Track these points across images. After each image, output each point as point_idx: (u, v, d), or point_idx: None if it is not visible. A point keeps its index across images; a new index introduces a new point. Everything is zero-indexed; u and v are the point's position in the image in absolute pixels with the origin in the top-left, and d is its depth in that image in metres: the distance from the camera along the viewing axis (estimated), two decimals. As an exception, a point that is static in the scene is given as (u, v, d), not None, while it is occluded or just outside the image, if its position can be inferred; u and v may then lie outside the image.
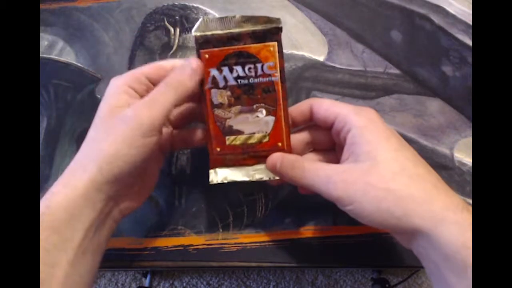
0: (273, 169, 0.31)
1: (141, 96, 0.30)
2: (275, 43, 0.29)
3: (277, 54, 0.29)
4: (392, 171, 0.26)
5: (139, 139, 0.27)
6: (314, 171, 0.28)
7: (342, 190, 0.27)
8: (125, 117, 0.27)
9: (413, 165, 0.27)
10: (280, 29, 0.29)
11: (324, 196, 0.27)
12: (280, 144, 0.31)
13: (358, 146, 0.27)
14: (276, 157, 0.30)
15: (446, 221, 0.24)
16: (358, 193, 0.26)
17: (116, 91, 0.29)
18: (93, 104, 0.42)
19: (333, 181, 0.27)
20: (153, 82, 0.31)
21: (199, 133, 0.33)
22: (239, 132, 0.31)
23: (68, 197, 0.26)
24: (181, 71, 0.29)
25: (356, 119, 0.28)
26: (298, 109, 0.32)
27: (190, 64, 0.29)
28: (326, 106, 0.30)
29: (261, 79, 0.30)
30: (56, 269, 0.25)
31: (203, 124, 0.32)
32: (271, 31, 0.29)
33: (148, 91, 0.30)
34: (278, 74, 0.30)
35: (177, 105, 0.29)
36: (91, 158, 0.27)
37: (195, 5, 0.45)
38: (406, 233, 0.26)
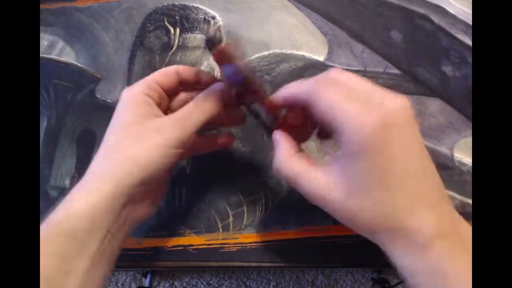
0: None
1: (157, 103, 0.30)
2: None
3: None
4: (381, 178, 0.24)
5: (170, 150, 0.27)
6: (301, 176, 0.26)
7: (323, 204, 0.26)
8: (160, 126, 0.28)
9: (407, 178, 0.24)
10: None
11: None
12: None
13: (343, 159, 0.24)
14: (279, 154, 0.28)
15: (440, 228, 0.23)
16: (348, 201, 0.25)
17: (136, 100, 0.29)
18: (93, 104, 0.42)
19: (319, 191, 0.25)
20: (164, 88, 0.31)
21: (224, 136, 0.35)
22: None
23: (91, 204, 0.25)
24: (210, 93, 0.30)
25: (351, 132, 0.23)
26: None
27: (216, 89, 0.30)
28: (323, 111, 0.25)
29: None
30: (70, 277, 0.24)
31: (225, 129, 0.33)
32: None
33: (161, 97, 0.31)
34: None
35: (205, 124, 0.30)
36: (117, 164, 0.27)
37: (195, 5, 0.45)
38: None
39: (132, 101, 0.29)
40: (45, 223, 0.25)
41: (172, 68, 0.31)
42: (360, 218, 0.25)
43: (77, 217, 0.25)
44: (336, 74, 0.26)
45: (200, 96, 0.30)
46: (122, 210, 0.27)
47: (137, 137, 0.28)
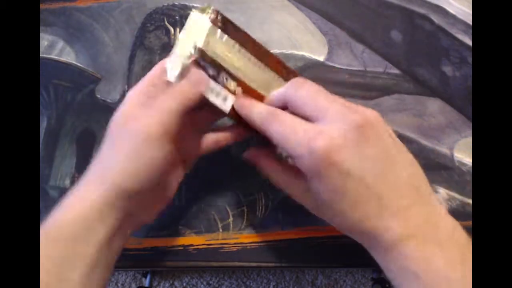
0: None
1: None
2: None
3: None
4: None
5: (147, 152, 0.26)
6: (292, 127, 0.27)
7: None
8: (131, 130, 0.27)
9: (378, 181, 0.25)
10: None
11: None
12: None
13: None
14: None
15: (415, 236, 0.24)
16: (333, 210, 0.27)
17: (128, 101, 0.28)
18: (93, 104, 0.42)
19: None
20: None
21: (233, 130, 0.32)
22: None
23: (83, 211, 0.25)
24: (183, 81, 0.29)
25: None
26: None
27: (190, 77, 0.29)
28: (276, 142, 0.27)
29: None
30: (64, 284, 0.24)
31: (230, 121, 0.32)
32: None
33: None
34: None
35: (183, 112, 0.28)
36: (104, 172, 0.27)
37: (195, 5, 0.45)
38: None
39: (124, 102, 0.29)
40: (42, 228, 0.25)
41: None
42: (334, 223, 0.27)
43: (71, 223, 0.25)
44: (289, 98, 0.28)
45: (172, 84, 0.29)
46: (116, 219, 0.26)
47: (117, 144, 0.27)
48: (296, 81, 0.29)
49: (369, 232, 0.25)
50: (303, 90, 0.27)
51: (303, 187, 0.27)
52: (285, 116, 0.27)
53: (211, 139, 0.32)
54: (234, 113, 0.30)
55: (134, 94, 0.29)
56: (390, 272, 0.25)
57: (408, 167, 0.26)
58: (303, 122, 0.26)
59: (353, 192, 0.25)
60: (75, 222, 0.25)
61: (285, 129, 0.26)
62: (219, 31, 0.29)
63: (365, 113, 0.26)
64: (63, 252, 0.24)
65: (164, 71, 0.29)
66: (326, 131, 0.25)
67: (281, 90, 0.29)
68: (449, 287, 0.22)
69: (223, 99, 0.30)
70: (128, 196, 0.26)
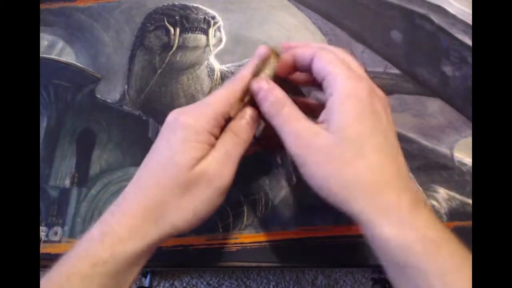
0: (256, 92, 0.28)
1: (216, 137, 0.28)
2: None
3: None
4: (351, 155, 0.25)
5: (219, 199, 0.27)
6: (288, 119, 0.27)
7: (303, 151, 0.26)
8: (207, 178, 0.26)
9: (377, 153, 0.25)
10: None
11: (285, 146, 0.27)
12: None
13: (333, 115, 0.26)
14: (264, 87, 0.28)
15: (387, 218, 0.23)
16: (314, 163, 0.25)
17: (194, 138, 0.26)
18: (93, 104, 0.42)
19: (300, 138, 0.26)
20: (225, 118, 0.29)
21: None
22: None
23: (136, 248, 0.25)
24: (244, 120, 0.28)
25: (343, 86, 0.26)
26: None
27: (247, 115, 0.29)
28: (324, 63, 0.27)
29: None
30: None
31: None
32: None
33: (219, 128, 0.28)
34: None
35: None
36: (164, 214, 0.25)
37: (195, 5, 0.45)
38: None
39: (190, 139, 0.26)
40: (86, 254, 0.24)
41: (237, 95, 0.29)
42: (345, 170, 0.25)
43: (123, 262, 0.24)
44: (336, 48, 0.29)
45: (235, 125, 0.28)
46: (156, 248, 0.26)
47: (188, 190, 0.26)
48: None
49: (387, 189, 0.24)
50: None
51: (315, 125, 0.26)
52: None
53: None
54: None
55: (202, 129, 0.27)
56: (406, 247, 0.23)
57: (399, 154, 0.26)
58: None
59: (381, 132, 0.25)
60: (126, 259, 0.24)
61: (336, 58, 0.27)
62: None
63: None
64: (109, 285, 0.24)
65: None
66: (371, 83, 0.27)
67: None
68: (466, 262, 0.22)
69: None
70: (181, 232, 0.26)
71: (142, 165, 0.28)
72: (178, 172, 0.25)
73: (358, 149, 0.24)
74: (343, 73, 0.26)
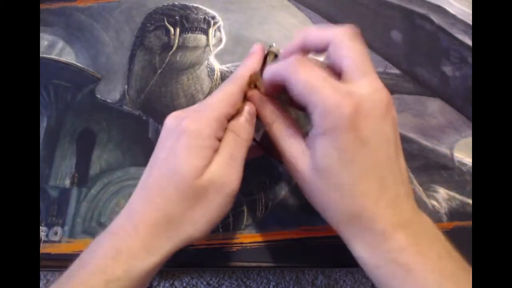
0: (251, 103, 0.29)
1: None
2: None
3: None
4: (334, 196, 0.24)
5: (229, 204, 0.26)
6: (279, 136, 0.27)
7: (289, 168, 0.26)
8: (216, 186, 0.25)
9: (365, 197, 0.24)
10: None
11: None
12: None
13: (316, 153, 0.24)
14: (255, 102, 0.28)
15: (362, 241, 0.24)
16: (298, 179, 0.26)
17: (203, 144, 0.25)
18: (93, 104, 0.42)
19: (287, 157, 0.26)
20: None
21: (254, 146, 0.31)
22: None
23: (150, 264, 0.24)
24: (243, 118, 0.28)
25: (321, 118, 0.24)
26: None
27: (249, 113, 0.28)
28: (298, 90, 0.24)
29: None
30: None
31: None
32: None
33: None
34: None
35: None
36: (177, 228, 0.25)
37: (195, 5, 0.45)
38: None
39: (195, 146, 0.25)
40: (99, 270, 0.23)
41: (238, 95, 0.28)
42: (323, 197, 0.25)
43: (136, 278, 0.24)
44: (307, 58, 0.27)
45: (237, 127, 0.28)
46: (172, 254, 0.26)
47: (197, 199, 0.25)
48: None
49: (360, 216, 0.23)
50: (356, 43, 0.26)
51: (302, 146, 0.26)
52: (313, 66, 0.25)
53: None
54: None
55: (207, 134, 0.26)
56: (377, 269, 0.23)
57: (401, 156, 0.25)
58: (331, 77, 0.24)
59: (361, 164, 0.23)
60: (138, 277, 0.24)
61: (312, 79, 0.24)
62: None
63: (389, 94, 0.25)
64: None
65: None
66: (358, 93, 0.23)
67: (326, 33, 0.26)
68: (441, 282, 0.22)
69: None
70: (196, 241, 0.26)
71: (147, 173, 0.27)
72: (186, 183, 0.25)
73: (341, 196, 0.24)
74: (320, 101, 0.23)
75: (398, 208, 0.23)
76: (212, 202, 0.25)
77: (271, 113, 0.28)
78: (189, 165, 0.25)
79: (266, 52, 0.31)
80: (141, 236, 0.24)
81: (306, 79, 0.24)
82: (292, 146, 0.26)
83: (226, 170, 0.26)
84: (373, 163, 0.23)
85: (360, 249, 0.24)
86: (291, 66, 0.25)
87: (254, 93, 0.29)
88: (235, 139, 0.27)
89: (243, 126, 0.28)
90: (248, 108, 0.28)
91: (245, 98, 0.29)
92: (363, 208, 0.23)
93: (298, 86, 0.24)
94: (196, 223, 0.25)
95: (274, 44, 0.30)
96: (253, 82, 0.29)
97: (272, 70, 0.27)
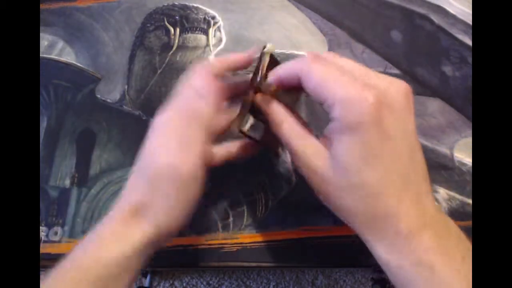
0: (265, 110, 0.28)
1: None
2: None
3: None
4: (354, 196, 0.23)
5: (190, 191, 0.26)
6: (289, 136, 0.26)
7: (303, 170, 0.25)
8: (169, 172, 0.26)
9: (392, 196, 0.23)
10: None
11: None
12: None
13: (336, 150, 0.23)
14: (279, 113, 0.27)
15: (383, 243, 0.23)
16: (312, 182, 0.25)
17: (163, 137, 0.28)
18: (93, 104, 0.42)
19: (299, 157, 0.25)
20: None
21: (246, 144, 0.31)
22: None
23: (123, 253, 0.24)
24: (194, 95, 0.29)
25: (342, 113, 0.22)
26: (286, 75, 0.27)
27: (195, 86, 0.29)
28: (315, 84, 0.24)
29: None
30: None
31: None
32: None
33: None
34: None
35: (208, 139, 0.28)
36: (146, 215, 0.26)
37: (195, 5, 0.45)
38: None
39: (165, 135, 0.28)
40: (72, 263, 0.24)
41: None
42: (343, 197, 0.23)
43: (109, 265, 0.24)
44: (330, 54, 0.26)
45: (190, 104, 0.29)
46: (150, 254, 0.26)
47: (157, 185, 0.26)
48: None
49: (383, 216, 0.22)
50: None
51: (318, 146, 0.25)
52: (328, 61, 0.24)
53: (227, 149, 0.31)
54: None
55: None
56: (400, 269, 0.22)
57: (421, 152, 0.24)
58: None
59: (385, 160, 0.22)
60: (114, 264, 0.24)
61: (330, 72, 0.23)
62: None
63: (406, 83, 0.24)
64: None
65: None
66: (377, 85, 0.23)
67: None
68: (467, 284, 0.21)
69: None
70: (171, 235, 0.26)
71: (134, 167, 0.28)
72: (149, 171, 0.26)
73: (364, 195, 0.23)
74: (340, 93, 0.22)
75: (421, 206, 0.23)
76: (167, 188, 0.26)
77: (279, 114, 0.27)
78: (155, 154, 0.27)
79: (259, 54, 0.30)
80: (111, 225, 0.25)
81: (323, 72, 0.23)
82: (306, 147, 0.25)
83: (177, 154, 0.26)
84: (396, 158, 0.22)
85: (382, 249, 0.23)
86: (306, 62, 0.24)
87: (259, 95, 0.28)
88: (188, 124, 0.28)
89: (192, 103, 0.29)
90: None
91: (251, 102, 0.29)
92: (386, 207, 0.22)
93: (316, 80, 0.23)
94: (159, 210, 0.26)
95: (268, 45, 0.29)
96: (255, 87, 0.28)
97: (285, 68, 0.26)
